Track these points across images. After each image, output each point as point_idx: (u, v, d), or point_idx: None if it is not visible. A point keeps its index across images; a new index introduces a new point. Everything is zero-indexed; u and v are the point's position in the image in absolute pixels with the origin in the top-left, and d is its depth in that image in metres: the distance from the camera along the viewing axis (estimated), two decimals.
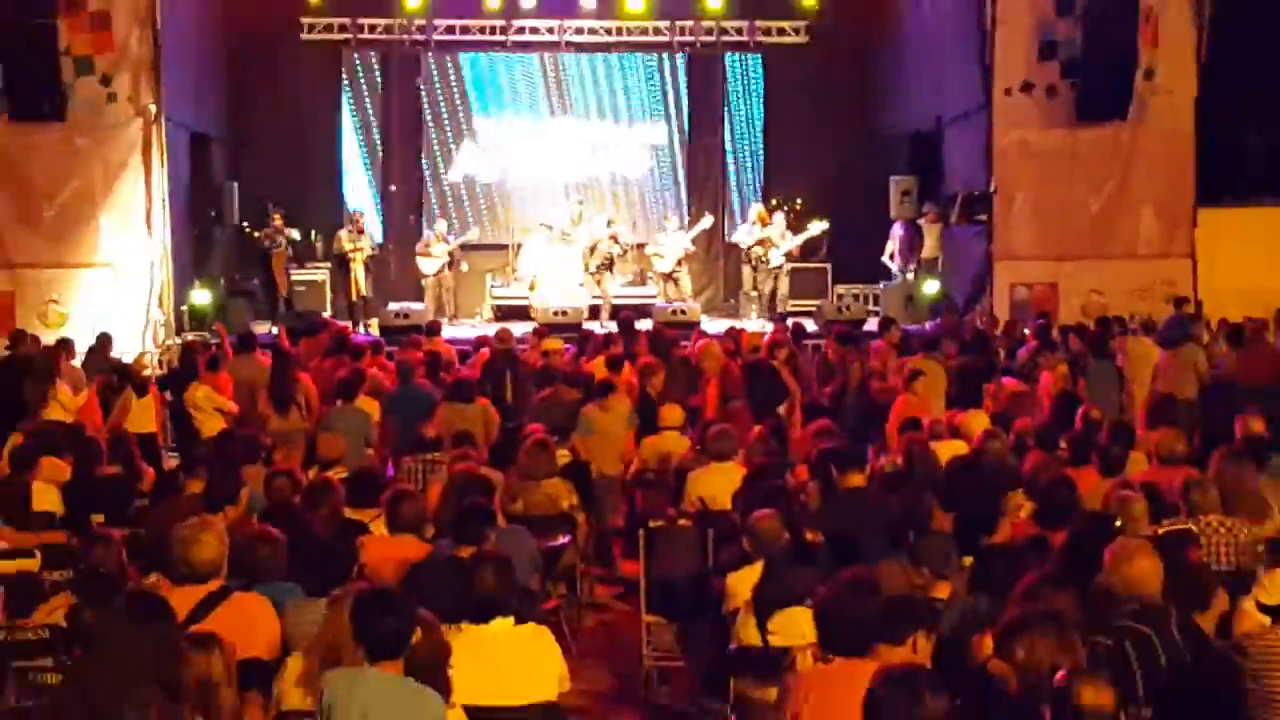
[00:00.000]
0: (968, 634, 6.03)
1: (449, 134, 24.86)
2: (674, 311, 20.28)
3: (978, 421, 11.17)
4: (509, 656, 6.00)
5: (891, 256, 21.65)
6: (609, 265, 21.45)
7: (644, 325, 18.15)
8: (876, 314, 20.26)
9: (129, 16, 18.07)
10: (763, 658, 6.66)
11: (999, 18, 18.51)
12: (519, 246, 22.91)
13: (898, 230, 21.61)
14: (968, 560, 7.19)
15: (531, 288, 21.60)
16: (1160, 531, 7.07)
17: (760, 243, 21.74)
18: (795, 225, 21.99)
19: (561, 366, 14.97)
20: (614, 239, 21.50)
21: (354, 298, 21.17)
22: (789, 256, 21.41)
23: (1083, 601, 6.15)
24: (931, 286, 20.64)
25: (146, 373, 15.21)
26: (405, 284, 22.48)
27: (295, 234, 21.50)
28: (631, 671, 9.26)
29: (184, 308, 19.04)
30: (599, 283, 21.35)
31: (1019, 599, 6.15)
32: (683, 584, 9.29)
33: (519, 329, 18.43)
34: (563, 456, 11.20)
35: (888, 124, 23.66)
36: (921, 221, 21.22)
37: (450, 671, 5.54)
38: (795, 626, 6.37)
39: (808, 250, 21.74)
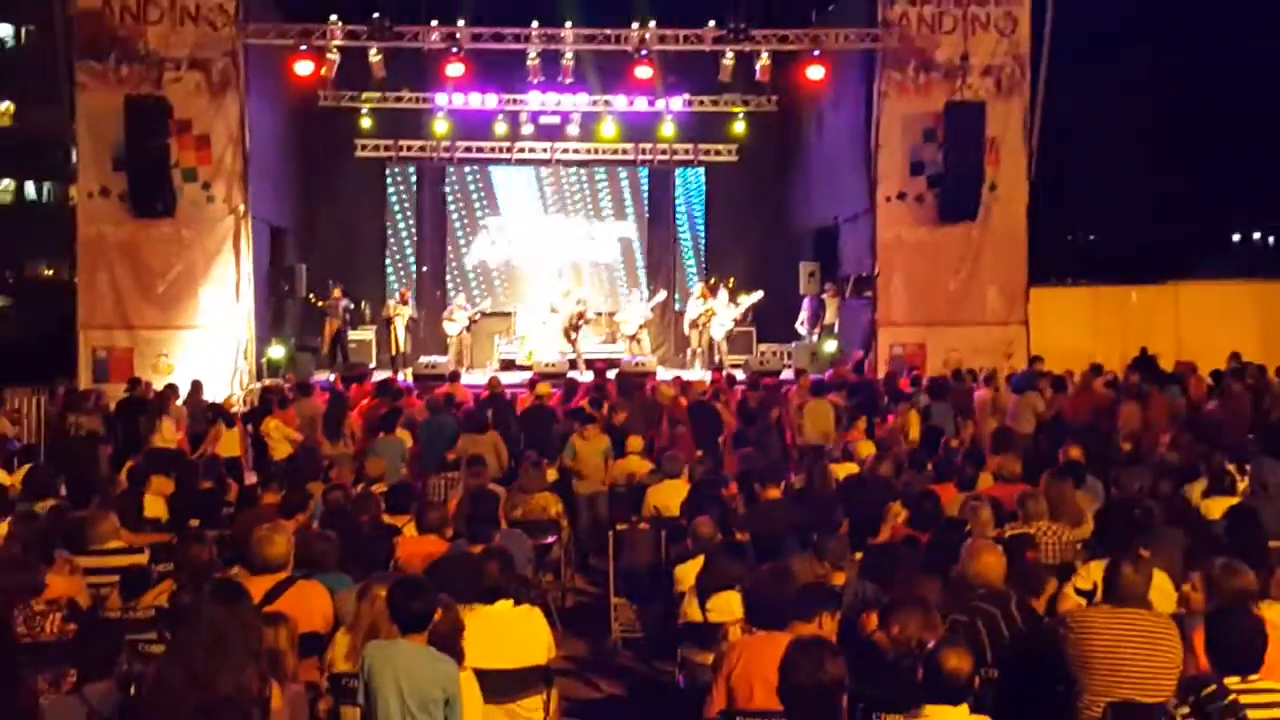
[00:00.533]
0: (858, 613, 6.07)
1: (467, 227, 24.87)
2: (636, 364, 20.23)
3: (865, 448, 11.37)
4: (509, 630, 6.03)
5: (802, 323, 21.67)
6: (577, 329, 21.55)
7: (612, 374, 18.19)
8: (790, 367, 20.28)
9: (224, 138, 18.08)
10: (703, 630, 6.71)
11: (880, 143, 18.63)
12: (513, 314, 22.98)
13: (806, 303, 21.67)
14: (858, 555, 7.21)
15: (526, 350, 21.62)
16: (1005, 534, 7.12)
17: (704, 313, 21.87)
18: (730, 297, 22.07)
19: (551, 406, 14.96)
20: (582, 315, 21.62)
21: (394, 352, 21.11)
22: (736, 322, 21.45)
23: (945, 587, 6.19)
24: (830, 345, 20.67)
25: (233, 410, 15.19)
26: (433, 342, 22.42)
27: (350, 303, 21.50)
28: (602, 641, 9.22)
29: (263, 360, 18.97)
30: (573, 344, 21.39)
31: (897, 586, 6.20)
32: (642, 574, 9.34)
33: (520, 377, 18.45)
34: (551, 475, 11.24)
35: (798, 222, 23.72)
36: (824, 296, 21.25)
37: (463, 642, 5.54)
38: (728, 606, 6.43)
39: (743, 314, 21.80)
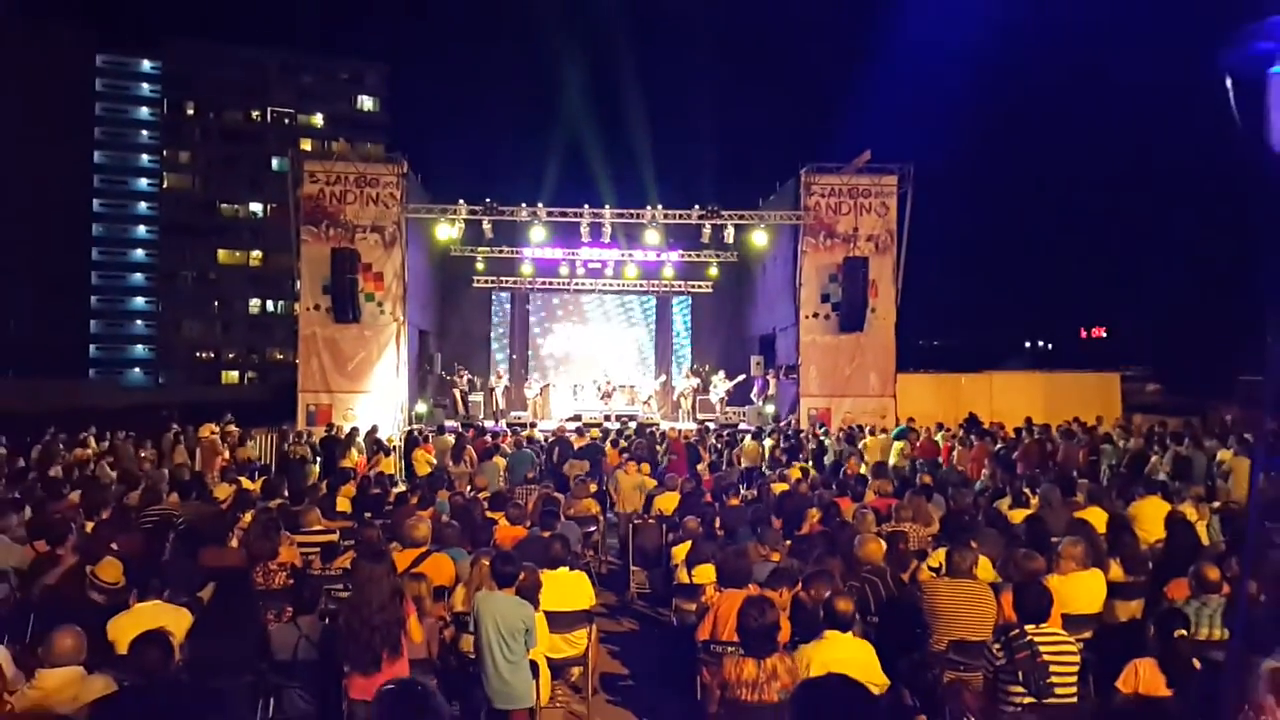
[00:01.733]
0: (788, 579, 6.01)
1: (540, 331, 24.99)
2: (647, 418, 20.26)
3: (794, 473, 11.24)
4: (566, 587, 6.00)
5: (755, 394, 21.66)
6: (609, 395, 21.58)
7: (633, 424, 18.19)
8: (744, 421, 20.25)
9: (391, 273, 18.34)
10: (689, 589, 6.64)
11: (802, 282, 18.77)
12: (574, 387, 23.00)
13: (757, 382, 21.69)
14: (788, 542, 7.15)
15: (577, 408, 21.63)
16: (884, 531, 7.05)
17: (695, 389, 21.95)
18: (706, 377, 22.14)
19: (596, 443, 14.96)
20: (611, 385, 21.76)
21: (494, 409, 21.16)
22: (728, 393, 21.52)
23: (845, 564, 6.13)
24: (769, 408, 20.67)
25: (392, 445, 15.17)
26: (519, 402, 22.46)
27: (469, 377, 21.57)
28: (624, 595, 9.13)
29: (412, 413, 19.01)
30: (606, 404, 21.43)
31: (812, 562, 6.15)
32: (650, 552, 9.25)
33: (574, 424, 18.53)
34: (592, 488, 11.20)
35: (750, 330, 23.78)
36: (766, 377, 21.30)
37: (540, 594, 5.51)
38: (706, 574, 6.35)
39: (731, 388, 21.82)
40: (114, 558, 5.69)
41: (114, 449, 14.38)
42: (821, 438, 16.01)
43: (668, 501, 9.79)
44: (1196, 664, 4.22)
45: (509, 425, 19.06)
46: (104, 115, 68.90)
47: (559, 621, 5.80)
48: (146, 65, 69.49)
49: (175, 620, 4.68)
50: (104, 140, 69.08)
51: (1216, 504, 9.15)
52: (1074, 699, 4.34)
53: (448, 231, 19.25)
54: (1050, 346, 64.60)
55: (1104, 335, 64.45)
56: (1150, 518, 7.75)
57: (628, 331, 25.35)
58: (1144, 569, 6.40)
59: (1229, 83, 1.38)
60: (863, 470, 11.35)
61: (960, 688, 4.91)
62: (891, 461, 13.97)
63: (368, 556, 5.10)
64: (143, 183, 69.88)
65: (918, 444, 14.92)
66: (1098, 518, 7.55)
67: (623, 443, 14.58)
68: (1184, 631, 4.44)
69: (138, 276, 70.20)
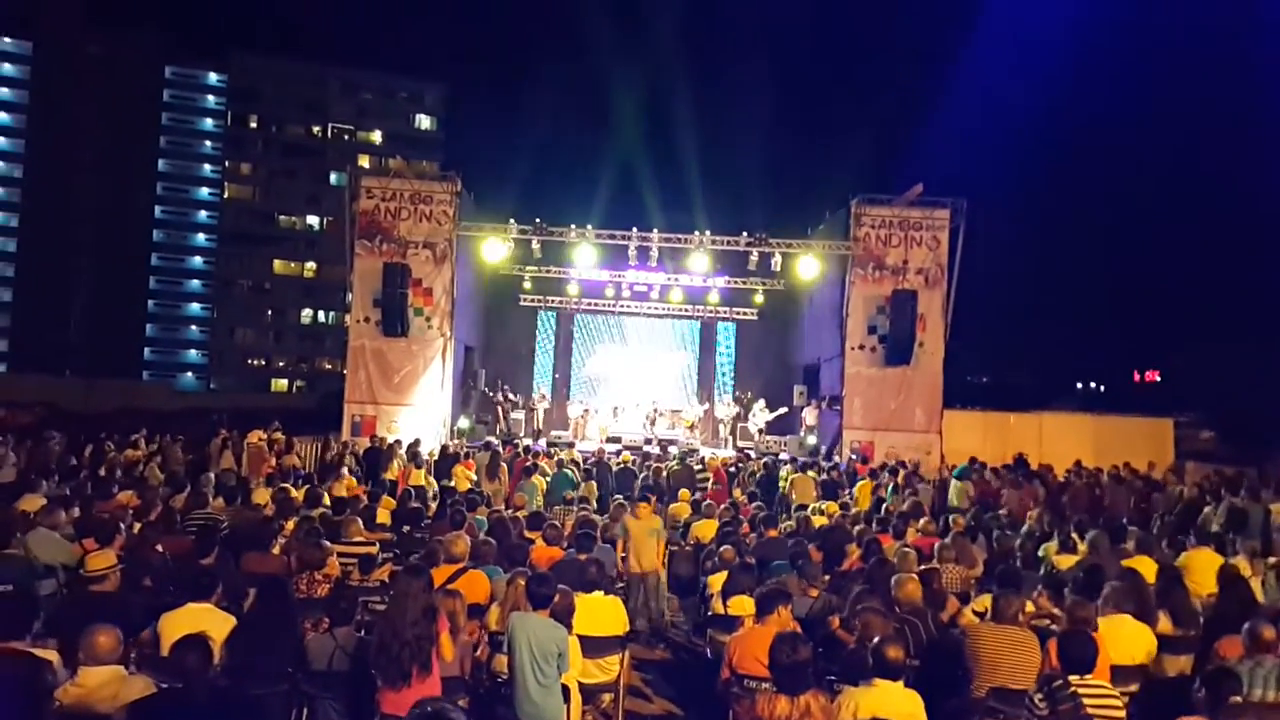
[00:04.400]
0: (826, 615, 5.92)
1: (585, 351, 25.07)
2: (688, 443, 20.21)
3: (831, 508, 11.09)
4: (600, 611, 5.98)
5: (804, 427, 21.40)
6: (653, 422, 21.55)
7: (673, 449, 18.15)
8: (785, 450, 20.07)
9: (441, 289, 18.53)
10: (724, 620, 6.57)
11: (849, 313, 18.61)
12: (615, 409, 22.94)
13: (800, 412, 21.53)
14: (827, 577, 7.05)
15: (619, 430, 21.60)
16: (923, 569, 6.93)
17: (735, 416, 21.83)
18: (747, 405, 21.98)
19: (627, 466, 14.92)
20: (656, 410, 21.79)
21: (536, 427, 21.26)
22: (768, 423, 21.38)
23: (884, 603, 6.02)
24: (811, 439, 20.49)
25: (432, 459, 15.22)
26: (561, 421, 22.53)
27: (512, 395, 21.70)
28: (659, 622, 9.04)
29: (455, 428, 19.15)
30: (652, 427, 21.41)
31: (853, 600, 6.06)
32: (686, 580, 9.19)
33: (615, 446, 18.51)
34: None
35: (794, 359, 23.60)
36: (809, 408, 21.13)
37: (573, 617, 5.48)
38: (742, 605, 6.28)
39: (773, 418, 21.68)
40: (109, 551, 5.87)
41: (163, 451, 14.69)
42: (864, 472, 15.76)
43: (706, 529, 9.70)
44: None
45: (548, 444, 19.09)
46: (170, 125, 70.97)
47: (592, 646, 5.77)
48: (213, 78, 71.54)
49: (219, 624, 4.75)
50: (169, 149, 71.11)
51: (1273, 559, 8.85)
52: None
53: (497, 249, 19.45)
54: (1102, 389, 63.33)
55: (1158, 379, 63.00)
56: (1202, 569, 7.52)
57: (671, 356, 25.31)
58: (1195, 623, 6.20)
59: None
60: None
61: None
62: (953, 501, 13.72)
63: (407, 571, 5.13)
64: (204, 192, 71.72)
65: (977, 484, 14.56)
66: (1147, 567, 7.34)
67: (642, 475, 14.38)
68: (1238, 697, 4.30)
69: (195, 283, 71.89)
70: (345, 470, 13.02)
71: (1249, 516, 11.95)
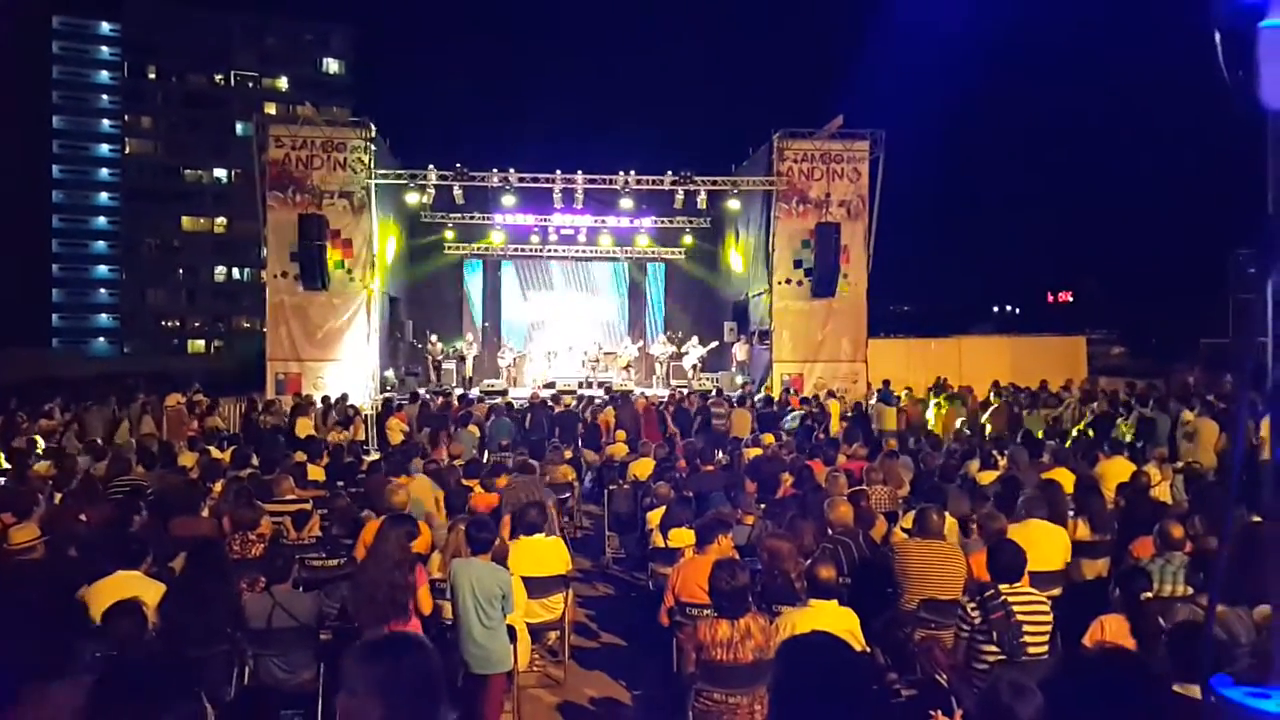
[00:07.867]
0: (761, 541, 6.03)
1: (514, 297, 24.79)
2: (623, 383, 20.25)
3: (768, 439, 11.24)
4: (543, 552, 5.98)
5: (735, 363, 21.58)
6: (593, 365, 21.51)
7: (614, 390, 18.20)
8: (719, 388, 20.26)
9: (361, 239, 17.88)
10: (664, 553, 6.67)
11: (774, 248, 18.67)
12: (549, 354, 22.77)
13: (731, 349, 21.71)
14: (762, 505, 7.19)
15: (554, 374, 21.51)
16: (851, 490, 7.12)
17: (670, 355, 21.93)
18: (679, 343, 22.07)
19: (573, 410, 14.94)
20: (595, 355, 21.76)
21: (468, 375, 21.04)
22: (702, 360, 21.45)
23: (817, 526, 6.18)
24: (740, 376, 20.73)
25: (364, 413, 15.02)
26: (492, 369, 22.28)
27: (441, 345, 21.37)
28: (600, 560, 9.17)
29: (382, 379, 18.82)
30: (593, 371, 21.43)
31: (786, 525, 6.19)
32: (625, 517, 9.27)
33: (549, 391, 18.45)
34: (568, 454, 11.18)
35: (724, 296, 23.71)
36: (739, 343, 21.33)
37: (508, 560, 5.51)
38: (682, 537, 6.37)
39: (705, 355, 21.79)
40: (30, 523, 5.73)
41: (79, 419, 14.15)
42: (796, 403, 16.05)
43: (643, 467, 9.79)
44: (1161, 620, 4.31)
45: (482, 393, 18.93)
46: (62, 79, 67.12)
47: (536, 587, 5.82)
48: (105, 27, 67.69)
49: (150, 591, 4.63)
50: (62, 105, 67.38)
51: (1180, 464, 9.34)
52: (1045, 655, 4.42)
53: (417, 197, 18.95)
54: (1017, 311, 65.35)
55: (1070, 300, 65.27)
56: (1116, 478, 7.88)
57: (602, 298, 25.22)
58: (1110, 528, 6.52)
59: (1217, 37, 1.36)
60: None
61: (932, 645, 4.98)
62: (886, 425, 14.16)
63: (389, 520, 5.19)
64: (104, 148, 68.32)
65: (886, 408, 15.03)
66: (1065, 478, 7.66)
67: (610, 410, 14.52)
68: (1148, 593, 4.54)
69: (100, 244, 68.87)
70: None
71: (1157, 425, 12.56)
